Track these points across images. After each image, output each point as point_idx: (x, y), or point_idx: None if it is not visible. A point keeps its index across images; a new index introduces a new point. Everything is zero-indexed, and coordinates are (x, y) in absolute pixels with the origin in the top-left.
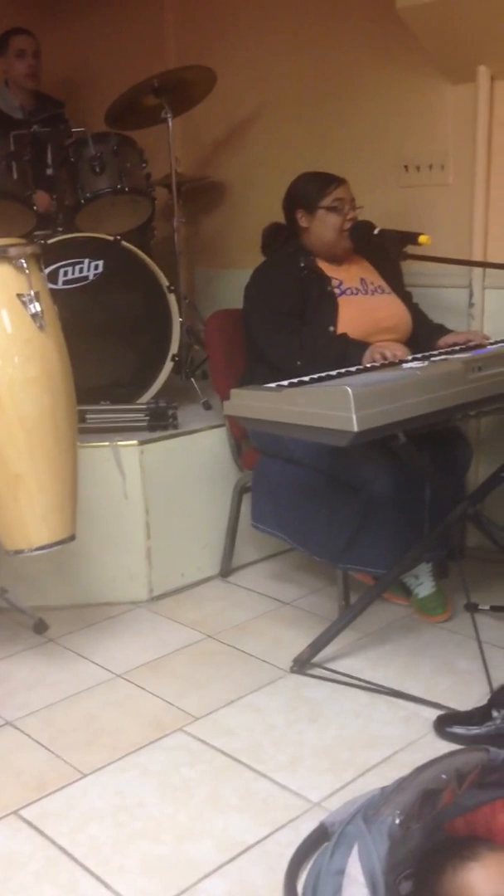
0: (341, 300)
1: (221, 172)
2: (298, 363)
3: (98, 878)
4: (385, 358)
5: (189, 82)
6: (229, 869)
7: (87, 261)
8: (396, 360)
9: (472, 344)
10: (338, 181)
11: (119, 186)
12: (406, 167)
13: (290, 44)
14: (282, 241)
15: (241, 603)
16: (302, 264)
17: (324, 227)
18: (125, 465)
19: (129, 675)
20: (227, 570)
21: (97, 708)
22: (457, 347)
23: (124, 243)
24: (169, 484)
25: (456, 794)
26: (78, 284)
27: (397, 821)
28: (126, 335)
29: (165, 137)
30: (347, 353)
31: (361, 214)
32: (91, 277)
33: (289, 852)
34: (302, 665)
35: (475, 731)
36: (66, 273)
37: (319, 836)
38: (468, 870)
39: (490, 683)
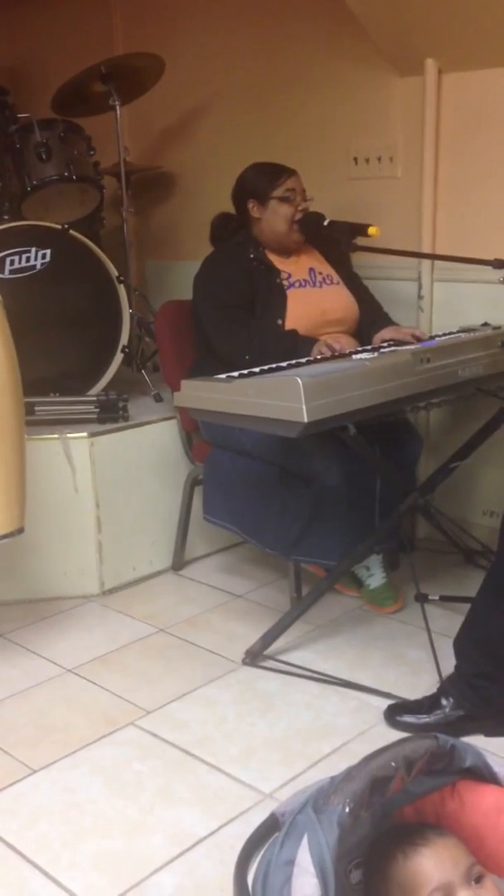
0: (290, 293)
1: (171, 163)
2: (247, 357)
3: (48, 875)
4: (333, 350)
5: (137, 70)
6: (180, 862)
7: (34, 250)
8: (345, 352)
9: (410, 341)
10: (289, 172)
11: (66, 174)
12: (355, 159)
13: (239, 33)
14: (231, 231)
15: (193, 596)
16: (251, 255)
17: (275, 217)
18: (75, 457)
19: (79, 670)
20: (179, 563)
21: (47, 704)
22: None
23: (72, 232)
24: (120, 477)
25: (405, 782)
26: (25, 274)
27: (346, 809)
28: (75, 326)
29: (114, 126)
30: (296, 349)
31: (312, 206)
32: (38, 267)
33: (240, 844)
34: (254, 657)
35: (425, 719)
36: (12, 262)
37: (270, 827)
38: (419, 855)
39: (439, 672)
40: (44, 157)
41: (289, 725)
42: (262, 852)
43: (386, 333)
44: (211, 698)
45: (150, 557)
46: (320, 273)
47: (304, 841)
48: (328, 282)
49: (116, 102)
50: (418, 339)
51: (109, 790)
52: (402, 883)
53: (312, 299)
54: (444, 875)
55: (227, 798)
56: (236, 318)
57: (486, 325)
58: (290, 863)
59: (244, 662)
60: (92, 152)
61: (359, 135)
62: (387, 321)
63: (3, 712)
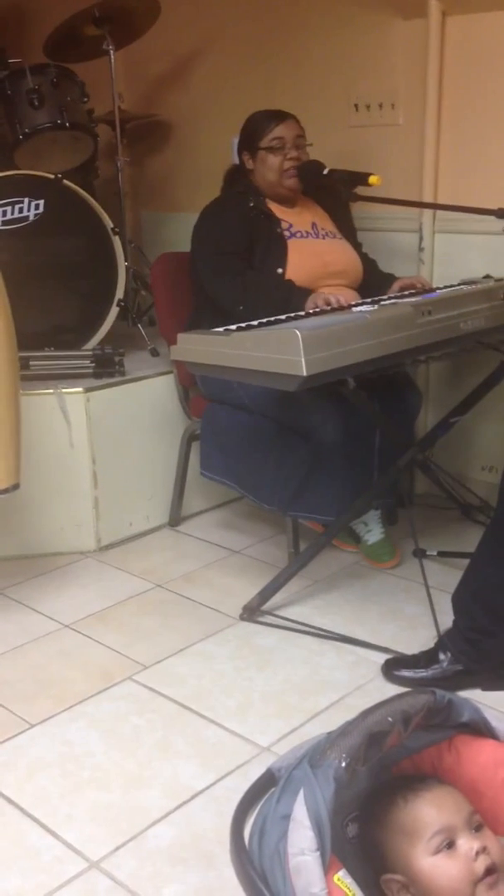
0: (291, 242)
1: (167, 110)
2: (241, 308)
3: (46, 828)
4: (328, 304)
5: (131, 12)
6: (178, 815)
7: (27, 200)
8: (342, 306)
9: (420, 289)
10: (280, 118)
11: (59, 121)
12: (356, 106)
13: None
14: (238, 181)
15: (190, 552)
16: (252, 204)
17: (264, 167)
18: (70, 412)
19: (76, 626)
20: (175, 519)
21: (44, 658)
22: (406, 292)
23: (66, 182)
24: (116, 432)
25: (402, 737)
26: (18, 225)
27: (343, 764)
28: (70, 279)
29: (108, 72)
30: (291, 299)
31: (312, 153)
32: (31, 218)
33: (237, 798)
34: (251, 613)
35: (422, 673)
36: (4, 213)
37: (267, 782)
38: (421, 799)
39: (437, 627)
40: (36, 103)
41: (286, 680)
42: (258, 807)
43: (396, 286)
44: (208, 653)
45: (146, 513)
46: (323, 228)
47: (301, 795)
48: (331, 236)
49: (110, 47)
50: (424, 288)
51: (107, 744)
52: (404, 827)
53: (314, 250)
54: (446, 819)
55: (225, 752)
56: (232, 267)
57: (488, 277)
58: (287, 817)
59: (241, 618)
60: (86, 99)
61: (360, 80)
62: (391, 279)
63: (1, 668)
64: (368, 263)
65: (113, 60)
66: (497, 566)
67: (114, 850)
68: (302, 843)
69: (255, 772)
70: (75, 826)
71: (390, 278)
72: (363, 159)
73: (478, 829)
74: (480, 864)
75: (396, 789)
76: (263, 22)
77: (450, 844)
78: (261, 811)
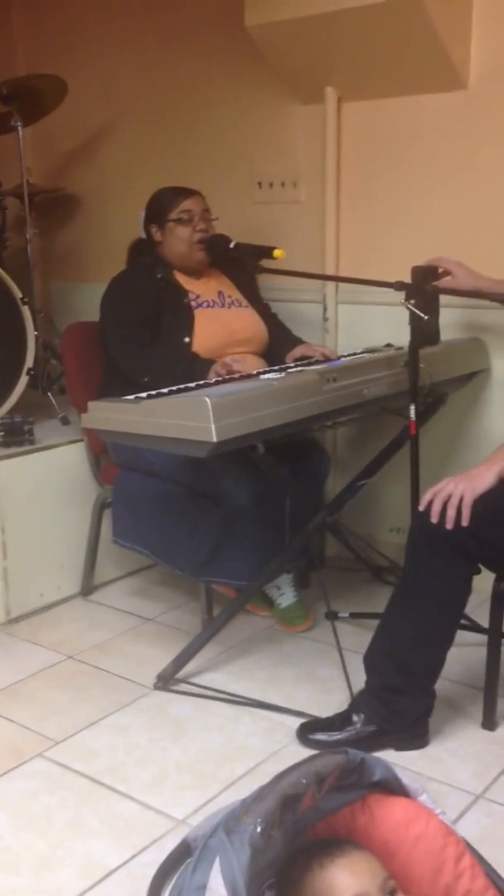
0: (197, 312)
1: (76, 184)
2: (146, 379)
3: None
4: (228, 370)
5: (39, 91)
6: (91, 895)
7: None
8: (241, 374)
9: (320, 357)
10: (187, 193)
11: None
12: (260, 184)
13: (141, 56)
14: (143, 254)
15: (103, 621)
16: (159, 276)
17: (174, 238)
18: None
19: None
20: (88, 588)
21: None
22: (305, 360)
23: None
24: (26, 501)
25: (316, 798)
26: None
27: (258, 829)
28: None
29: (16, 147)
30: (194, 370)
31: (218, 227)
32: None
33: (153, 873)
34: (165, 681)
35: (337, 736)
36: None
37: (182, 853)
38: (336, 865)
39: (350, 689)
40: None
41: (201, 749)
42: (174, 879)
43: (297, 351)
44: (122, 725)
45: (57, 583)
46: (229, 296)
47: (216, 864)
48: (237, 304)
49: (18, 123)
50: (327, 358)
51: (16, 825)
52: (319, 894)
53: (220, 319)
54: (360, 885)
55: (139, 826)
56: (138, 338)
57: (389, 345)
58: (203, 887)
59: (156, 687)
60: None
61: (263, 160)
62: (297, 341)
63: None
64: (277, 326)
65: (21, 136)
66: (407, 625)
67: None
68: None
69: (170, 845)
70: None
71: (296, 340)
72: (268, 234)
73: (392, 894)
74: None
75: (312, 855)
76: (168, 100)
77: None
78: (176, 883)
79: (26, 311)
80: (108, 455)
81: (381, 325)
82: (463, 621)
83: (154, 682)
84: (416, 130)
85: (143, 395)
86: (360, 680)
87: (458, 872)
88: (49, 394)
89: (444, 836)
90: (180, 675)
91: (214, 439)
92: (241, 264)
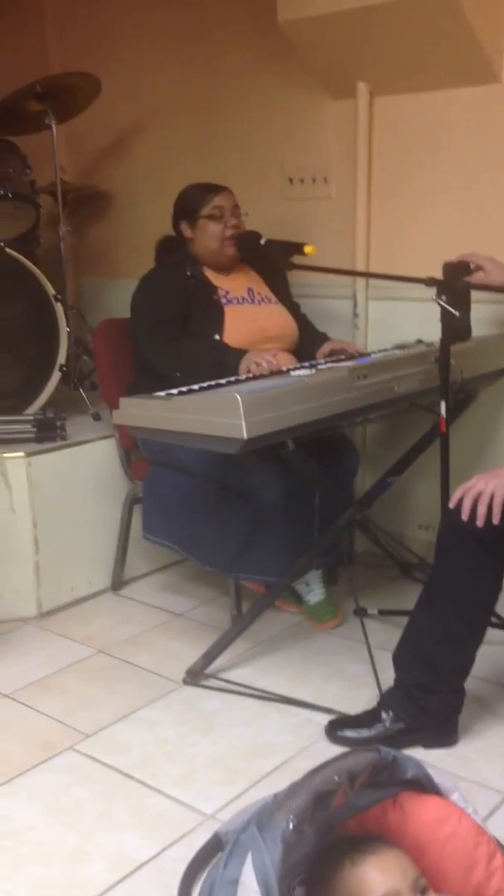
0: (227, 309)
1: (107, 182)
2: (177, 374)
3: None
4: (259, 366)
5: (73, 89)
6: (121, 888)
7: None
8: (272, 369)
9: (350, 354)
10: (217, 189)
11: (2, 192)
12: (290, 179)
13: (173, 53)
14: (172, 251)
15: (133, 616)
16: (188, 273)
17: (205, 235)
18: (11, 477)
19: (17, 695)
20: (118, 583)
21: None
22: (339, 357)
23: (8, 250)
24: (58, 496)
25: (348, 795)
26: None
27: (290, 825)
28: (12, 345)
29: (50, 145)
30: (224, 362)
31: (248, 223)
32: None
33: (182, 867)
34: (195, 676)
35: (365, 733)
36: None
37: (213, 847)
38: (367, 863)
39: (379, 686)
40: None
41: (230, 744)
42: (205, 873)
43: (327, 347)
44: (151, 719)
45: (88, 578)
46: (259, 293)
47: (248, 859)
48: (267, 301)
49: (52, 121)
50: (357, 354)
51: (48, 817)
52: (350, 890)
53: (250, 316)
54: (391, 883)
55: (169, 820)
56: (168, 335)
57: (419, 341)
58: (235, 882)
59: (185, 682)
60: (28, 170)
61: (293, 155)
62: (323, 338)
63: None
64: (306, 325)
65: (55, 134)
66: (435, 623)
67: None
68: None
69: (200, 840)
70: None
71: (324, 337)
72: (298, 230)
73: (423, 892)
74: None
75: (343, 851)
76: (200, 97)
77: None
78: (208, 877)
79: (59, 308)
80: (138, 451)
81: (412, 320)
82: (493, 619)
83: (183, 677)
84: (448, 124)
85: (174, 391)
86: (388, 677)
87: (489, 871)
88: (81, 390)
89: (476, 834)
90: (209, 670)
91: (245, 436)
92: (272, 260)
